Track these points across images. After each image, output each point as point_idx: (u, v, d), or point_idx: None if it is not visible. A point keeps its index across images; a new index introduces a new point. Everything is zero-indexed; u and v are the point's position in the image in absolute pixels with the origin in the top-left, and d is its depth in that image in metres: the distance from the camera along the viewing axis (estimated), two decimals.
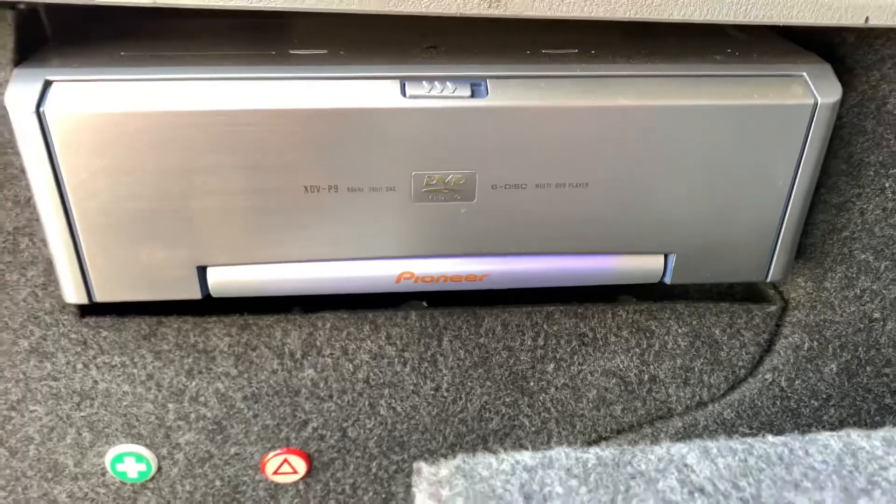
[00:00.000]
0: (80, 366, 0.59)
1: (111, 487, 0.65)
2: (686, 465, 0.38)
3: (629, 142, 0.51)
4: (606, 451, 0.39)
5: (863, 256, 0.62)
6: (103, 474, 0.64)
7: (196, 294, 0.53)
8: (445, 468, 0.37)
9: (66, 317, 0.57)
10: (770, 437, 0.40)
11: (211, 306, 0.58)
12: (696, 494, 0.36)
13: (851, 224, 0.60)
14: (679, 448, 0.39)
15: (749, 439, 0.40)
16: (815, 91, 0.52)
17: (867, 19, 0.48)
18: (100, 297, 0.53)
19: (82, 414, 0.61)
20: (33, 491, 0.65)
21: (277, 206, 0.51)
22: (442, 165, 0.50)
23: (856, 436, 0.41)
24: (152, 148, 0.48)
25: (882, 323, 0.65)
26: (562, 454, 0.38)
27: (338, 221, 0.52)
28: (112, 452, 0.63)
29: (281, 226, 0.51)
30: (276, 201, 0.50)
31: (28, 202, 0.52)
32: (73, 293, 0.52)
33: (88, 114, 0.46)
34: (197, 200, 0.50)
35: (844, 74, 0.55)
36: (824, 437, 0.41)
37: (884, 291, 0.63)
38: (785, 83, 0.52)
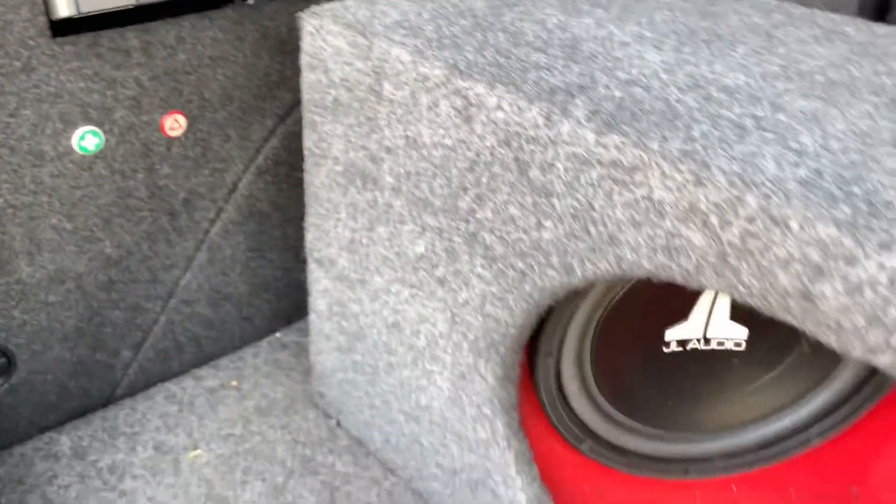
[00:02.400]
0: (53, 74, 0.97)
1: (77, 162, 1.04)
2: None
3: None
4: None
5: None
6: (71, 153, 1.03)
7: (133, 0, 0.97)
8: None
9: (44, 39, 0.94)
10: None
11: (130, 20, 1.00)
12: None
13: None
14: None
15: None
16: None
17: None
18: (84, 8, 0.93)
19: (55, 109, 0.99)
20: (27, 178, 1.01)
21: None
22: None
23: None
24: None
25: None
26: None
27: None
28: (77, 134, 1.02)
29: None
30: None
31: None
32: (66, 8, 0.92)
33: None
34: None
35: None
36: None
37: None
38: None
